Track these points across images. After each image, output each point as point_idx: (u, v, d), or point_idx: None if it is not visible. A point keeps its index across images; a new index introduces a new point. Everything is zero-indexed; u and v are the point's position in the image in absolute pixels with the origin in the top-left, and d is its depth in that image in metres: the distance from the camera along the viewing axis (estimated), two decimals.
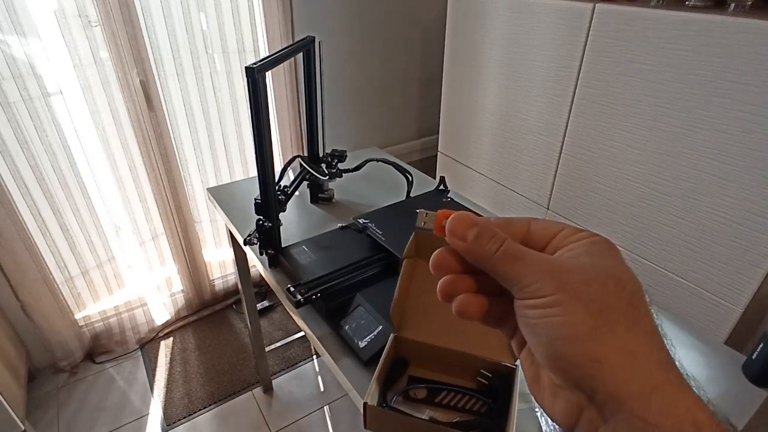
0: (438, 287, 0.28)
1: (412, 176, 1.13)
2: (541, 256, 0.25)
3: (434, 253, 0.28)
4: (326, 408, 1.61)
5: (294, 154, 1.22)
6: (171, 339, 1.87)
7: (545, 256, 0.25)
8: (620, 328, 0.22)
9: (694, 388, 0.22)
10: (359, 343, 0.72)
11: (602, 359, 0.21)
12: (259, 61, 0.78)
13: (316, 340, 0.77)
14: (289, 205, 1.07)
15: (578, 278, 0.23)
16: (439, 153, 1.85)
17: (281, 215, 0.95)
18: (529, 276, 0.24)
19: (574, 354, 0.22)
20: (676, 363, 0.22)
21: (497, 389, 0.62)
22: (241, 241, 1.00)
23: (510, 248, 0.25)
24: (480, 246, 0.26)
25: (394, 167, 1.15)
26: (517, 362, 0.60)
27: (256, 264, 0.98)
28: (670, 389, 0.21)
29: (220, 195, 1.23)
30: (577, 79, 1.22)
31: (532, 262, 0.24)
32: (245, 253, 1.20)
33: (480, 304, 0.27)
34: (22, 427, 1.36)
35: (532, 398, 0.25)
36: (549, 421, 0.63)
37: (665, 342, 0.23)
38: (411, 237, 0.66)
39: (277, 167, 0.91)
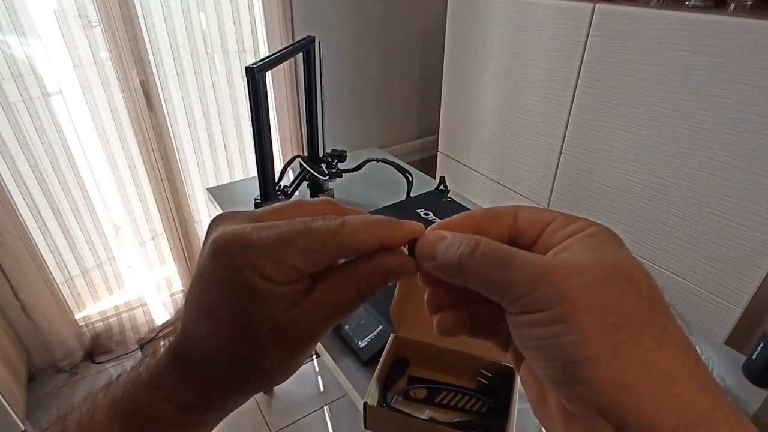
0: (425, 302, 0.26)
1: (412, 176, 1.13)
2: (533, 257, 0.20)
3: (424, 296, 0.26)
4: (326, 408, 1.61)
5: (294, 154, 1.22)
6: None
7: (538, 257, 0.20)
8: (648, 343, 0.18)
9: (744, 418, 0.18)
10: (359, 343, 0.72)
11: (631, 385, 0.17)
12: (259, 61, 0.78)
13: None
14: None
15: (583, 282, 0.19)
16: (439, 153, 1.85)
17: None
18: (522, 284, 0.19)
19: (595, 379, 0.18)
20: (716, 379, 0.19)
21: (497, 389, 0.62)
22: None
23: (489, 249, 0.21)
24: (450, 255, 0.21)
25: (394, 167, 1.15)
26: None
27: None
28: (719, 421, 0.17)
29: (220, 195, 1.23)
30: (577, 79, 1.22)
31: (523, 266, 0.20)
32: None
33: (460, 318, 0.24)
34: (22, 427, 1.36)
35: None
36: None
37: (699, 353, 0.19)
38: None
39: (277, 167, 0.91)
